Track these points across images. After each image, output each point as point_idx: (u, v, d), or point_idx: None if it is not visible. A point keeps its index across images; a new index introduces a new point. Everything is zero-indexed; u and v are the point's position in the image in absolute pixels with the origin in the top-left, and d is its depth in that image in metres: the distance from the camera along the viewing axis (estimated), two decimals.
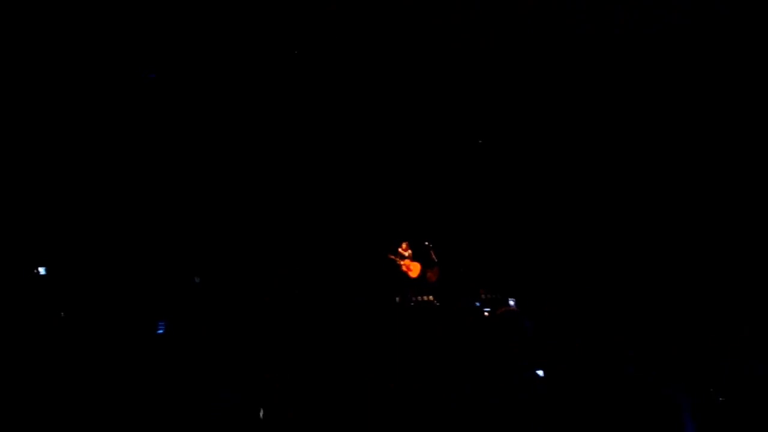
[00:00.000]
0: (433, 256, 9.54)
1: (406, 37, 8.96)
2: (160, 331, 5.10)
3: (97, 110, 8.63)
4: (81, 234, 8.38)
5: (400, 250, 9.71)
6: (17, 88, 8.03)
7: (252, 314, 5.72)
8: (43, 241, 7.86)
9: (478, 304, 7.49)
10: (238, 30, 8.49)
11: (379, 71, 9.44)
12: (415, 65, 9.39)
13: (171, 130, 9.14)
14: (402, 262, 9.56)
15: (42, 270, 6.75)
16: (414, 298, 8.14)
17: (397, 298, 8.51)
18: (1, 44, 7.54)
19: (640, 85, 8.81)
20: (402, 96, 9.88)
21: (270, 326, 5.23)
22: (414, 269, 9.61)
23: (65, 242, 8.11)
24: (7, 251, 7.51)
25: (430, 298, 8.09)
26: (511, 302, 7.07)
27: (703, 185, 8.26)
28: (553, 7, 8.43)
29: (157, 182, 9.10)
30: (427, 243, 9.60)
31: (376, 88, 9.71)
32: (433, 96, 9.83)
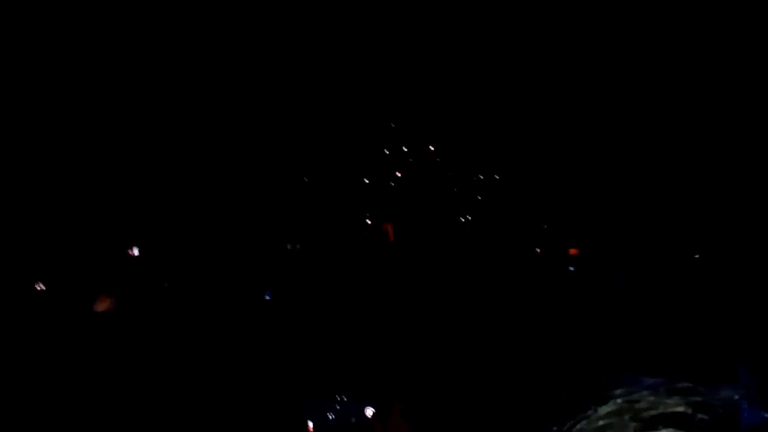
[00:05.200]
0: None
1: (406, 36, 8.96)
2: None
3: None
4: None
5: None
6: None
7: (252, 313, 5.71)
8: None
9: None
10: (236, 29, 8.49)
11: (378, 70, 9.43)
12: (414, 64, 9.39)
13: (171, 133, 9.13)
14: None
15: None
16: None
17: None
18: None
19: (641, 84, 8.78)
20: (401, 94, 9.87)
21: (270, 325, 5.20)
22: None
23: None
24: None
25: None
26: None
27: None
28: (552, 6, 8.43)
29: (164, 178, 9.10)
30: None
31: (376, 87, 9.70)
32: (432, 94, 9.81)
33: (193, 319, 5.29)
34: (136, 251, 6.75)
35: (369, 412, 3.80)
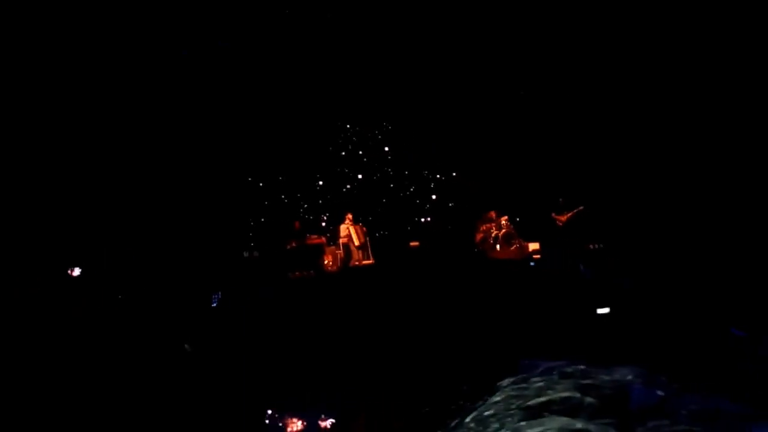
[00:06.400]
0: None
1: (407, 36, 9.01)
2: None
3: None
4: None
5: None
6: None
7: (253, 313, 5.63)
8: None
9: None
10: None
11: (380, 69, 9.44)
12: (414, 63, 9.42)
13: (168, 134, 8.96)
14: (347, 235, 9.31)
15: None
16: None
17: None
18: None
19: (641, 83, 8.80)
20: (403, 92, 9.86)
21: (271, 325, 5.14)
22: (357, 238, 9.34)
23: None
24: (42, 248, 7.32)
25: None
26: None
27: None
28: (552, 4, 8.48)
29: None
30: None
31: (377, 85, 9.69)
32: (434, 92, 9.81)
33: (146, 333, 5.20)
34: (77, 271, 6.57)
35: (328, 423, 3.74)
